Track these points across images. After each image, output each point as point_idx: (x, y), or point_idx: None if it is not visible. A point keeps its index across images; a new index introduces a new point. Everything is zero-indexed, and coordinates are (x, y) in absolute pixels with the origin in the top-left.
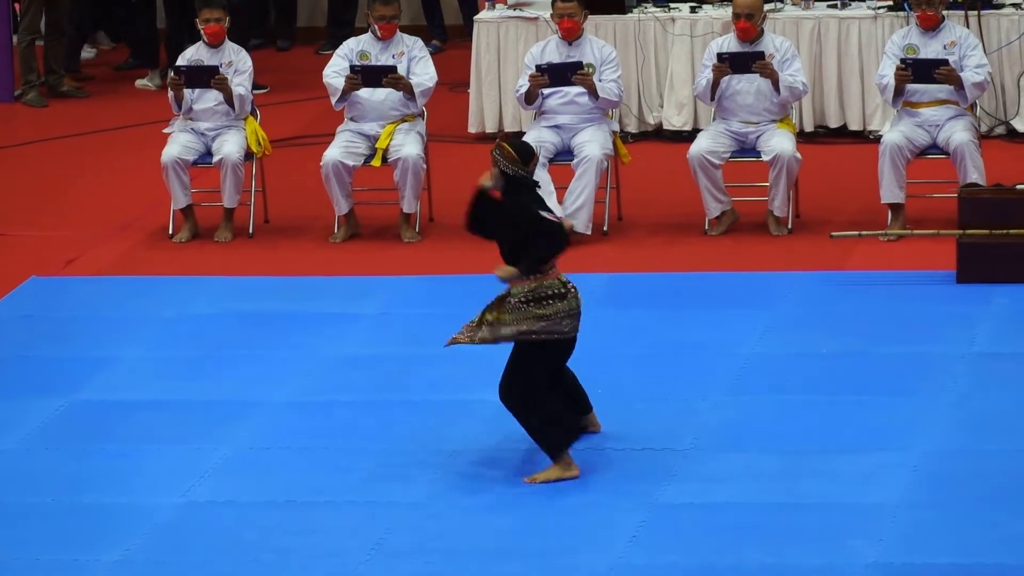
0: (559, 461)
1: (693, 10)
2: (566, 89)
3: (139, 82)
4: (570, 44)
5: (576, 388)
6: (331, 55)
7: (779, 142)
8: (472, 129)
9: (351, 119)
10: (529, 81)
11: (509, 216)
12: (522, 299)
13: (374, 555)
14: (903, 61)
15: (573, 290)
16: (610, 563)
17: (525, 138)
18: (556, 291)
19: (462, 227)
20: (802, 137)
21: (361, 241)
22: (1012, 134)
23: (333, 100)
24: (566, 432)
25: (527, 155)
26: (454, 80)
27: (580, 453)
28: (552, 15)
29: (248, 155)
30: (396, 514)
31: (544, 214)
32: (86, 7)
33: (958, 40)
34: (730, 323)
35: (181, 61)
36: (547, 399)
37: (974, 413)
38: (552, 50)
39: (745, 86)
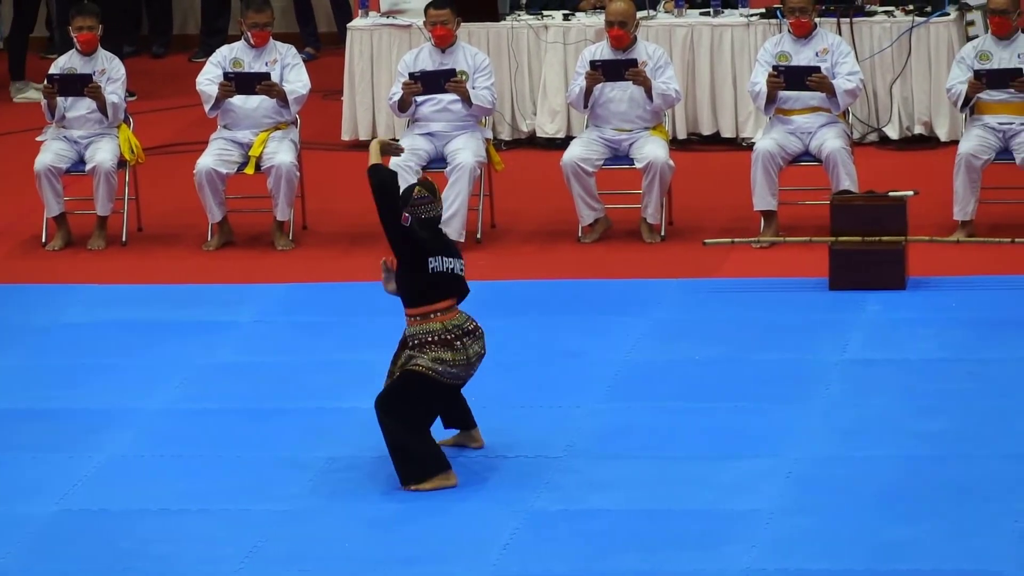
0: (408, 487)
1: (566, 18)
2: (439, 96)
3: (21, 96)
4: (443, 51)
5: (460, 404)
6: (204, 62)
7: (652, 149)
8: (345, 136)
9: (224, 127)
10: (402, 88)
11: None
12: (412, 343)
13: (248, 563)
14: (775, 68)
15: (465, 341)
16: (483, 571)
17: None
18: (438, 337)
19: None
20: (675, 144)
21: (235, 249)
22: (884, 141)
23: (206, 107)
24: (422, 471)
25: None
26: (327, 87)
27: (452, 461)
28: (425, 23)
29: (121, 163)
30: (270, 522)
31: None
32: None
33: (830, 47)
34: (604, 330)
35: (54, 69)
36: (417, 435)
37: (847, 420)
38: (425, 57)
39: (618, 94)
